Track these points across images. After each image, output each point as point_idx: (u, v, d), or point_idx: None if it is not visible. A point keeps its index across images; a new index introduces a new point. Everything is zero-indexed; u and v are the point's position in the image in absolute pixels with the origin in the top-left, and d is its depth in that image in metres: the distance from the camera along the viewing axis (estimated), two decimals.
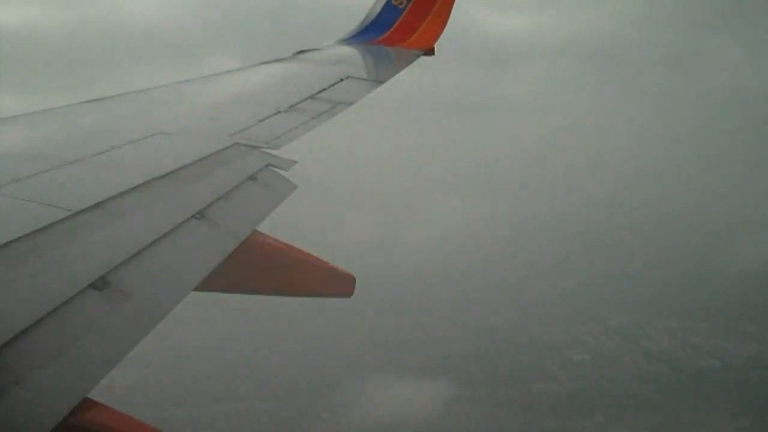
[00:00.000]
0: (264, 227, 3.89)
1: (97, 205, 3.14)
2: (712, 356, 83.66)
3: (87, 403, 2.23)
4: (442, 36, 9.46)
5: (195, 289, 2.96)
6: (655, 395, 73.74)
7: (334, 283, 4.30)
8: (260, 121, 5.28)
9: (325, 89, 6.57)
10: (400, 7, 9.54)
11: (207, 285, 3.09)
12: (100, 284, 2.54)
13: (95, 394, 2.26)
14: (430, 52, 9.33)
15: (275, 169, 4.44)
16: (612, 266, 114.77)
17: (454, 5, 9.47)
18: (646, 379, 77.64)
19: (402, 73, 8.34)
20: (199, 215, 3.41)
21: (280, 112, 5.61)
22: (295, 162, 4.62)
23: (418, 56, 9.11)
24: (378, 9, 9.63)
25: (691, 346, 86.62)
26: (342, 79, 7.09)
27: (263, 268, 3.93)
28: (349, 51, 9.09)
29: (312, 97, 6.23)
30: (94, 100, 5.53)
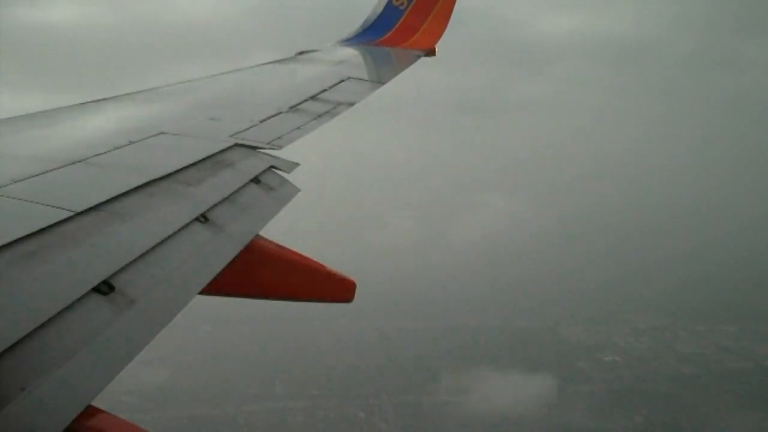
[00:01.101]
0: (271, 229, 3.89)
1: (99, 206, 3.09)
2: (744, 358, 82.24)
3: (91, 411, 2.23)
4: (443, 37, 9.46)
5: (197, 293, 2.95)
6: (690, 396, 72.47)
7: (334, 288, 4.23)
8: (261, 121, 5.28)
9: (326, 90, 6.57)
10: (401, 7, 9.54)
11: (208, 289, 3.07)
12: (104, 288, 2.50)
13: (103, 400, 2.25)
14: (431, 52, 9.30)
15: (278, 171, 4.41)
16: (639, 269, 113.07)
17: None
18: (679, 381, 76.44)
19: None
20: (203, 218, 3.39)
21: (281, 112, 5.61)
22: (297, 164, 4.58)
23: (419, 57, 9.06)
24: (379, 10, 9.65)
25: (722, 348, 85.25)
26: (343, 80, 7.11)
27: (261, 272, 3.86)
28: (350, 52, 9.04)
29: (313, 97, 6.23)
30: (95, 100, 5.54)
